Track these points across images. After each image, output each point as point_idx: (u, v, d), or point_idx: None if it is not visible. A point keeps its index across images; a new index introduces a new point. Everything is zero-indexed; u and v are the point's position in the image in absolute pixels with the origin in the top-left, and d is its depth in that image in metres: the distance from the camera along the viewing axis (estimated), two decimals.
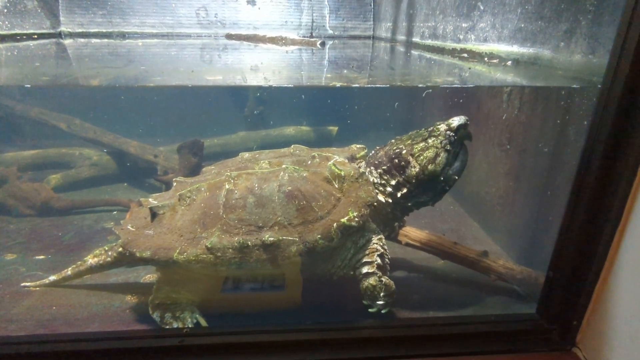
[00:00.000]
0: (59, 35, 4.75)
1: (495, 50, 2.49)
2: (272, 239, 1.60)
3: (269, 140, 4.34)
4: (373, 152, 1.96)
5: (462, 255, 2.09)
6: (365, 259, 1.76)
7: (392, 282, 1.75)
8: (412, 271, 2.29)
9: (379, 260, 1.75)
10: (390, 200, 1.78)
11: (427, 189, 1.74)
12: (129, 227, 1.91)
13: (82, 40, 4.55)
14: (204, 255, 1.68)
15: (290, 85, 2.52)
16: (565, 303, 1.60)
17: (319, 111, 4.44)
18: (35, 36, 4.23)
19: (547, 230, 2.07)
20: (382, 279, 1.73)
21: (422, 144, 1.74)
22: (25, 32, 4.12)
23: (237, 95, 4.70)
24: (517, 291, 2.06)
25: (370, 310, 1.71)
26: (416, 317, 1.90)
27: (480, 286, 2.11)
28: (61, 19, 4.94)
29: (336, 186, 1.80)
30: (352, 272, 1.81)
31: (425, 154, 1.70)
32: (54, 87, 3.86)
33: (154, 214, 1.89)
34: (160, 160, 3.45)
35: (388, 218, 1.91)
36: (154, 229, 1.85)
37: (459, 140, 1.73)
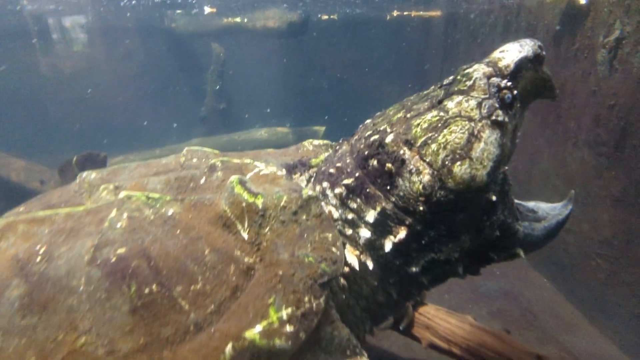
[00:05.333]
0: None
1: None
2: None
3: (231, 148, 3.59)
4: (331, 151, 1.06)
5: None
6: None
7: None
8: None
9: None
10: (370, 265, 0.87)
11: (455, 226, 0.85)
12: None
13: None
14: None
15: None
16: None
17: (301, 108, 3.41)
18: None
19: None
20: None
21: (432, 115, 0.85)
22: None
23: (194, 88, 3.68)
24: None
25: None
26: None
27: None
28: None
29: (244, 236, 0.85)
30: None
31: (441, 138, 0.82)
32: None
33: None
34: (48, 188, 2.57)
35: (375, 304, 0.93)
36: None
37: (525, 100, 0.86)
